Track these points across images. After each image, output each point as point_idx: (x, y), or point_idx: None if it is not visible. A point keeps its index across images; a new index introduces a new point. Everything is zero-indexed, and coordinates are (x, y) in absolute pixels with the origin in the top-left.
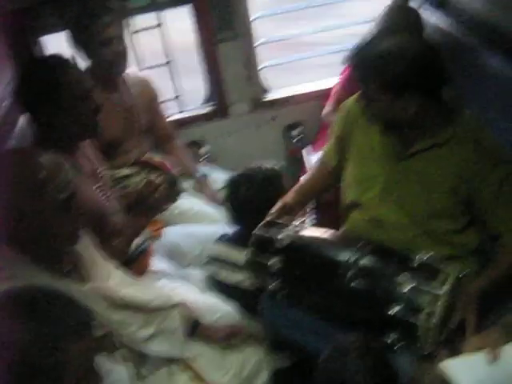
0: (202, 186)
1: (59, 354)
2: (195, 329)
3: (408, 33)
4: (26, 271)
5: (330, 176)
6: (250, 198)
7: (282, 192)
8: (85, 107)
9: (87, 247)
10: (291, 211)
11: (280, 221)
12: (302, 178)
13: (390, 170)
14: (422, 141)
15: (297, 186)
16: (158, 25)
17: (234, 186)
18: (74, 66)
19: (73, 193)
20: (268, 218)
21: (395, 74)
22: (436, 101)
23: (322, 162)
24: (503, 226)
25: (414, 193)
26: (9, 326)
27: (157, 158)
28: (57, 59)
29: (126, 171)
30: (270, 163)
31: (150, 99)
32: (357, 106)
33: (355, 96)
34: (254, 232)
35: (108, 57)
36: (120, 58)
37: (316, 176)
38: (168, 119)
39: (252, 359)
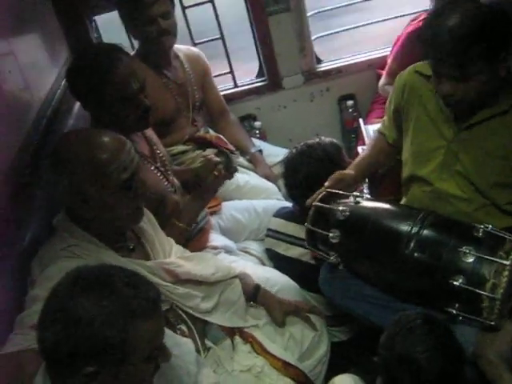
0: (256, 161)
1: (130, 331)
2: (256, 293)
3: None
4: (94, 249)
5: (389, 149)
6: (310, 174)
7: (341, 167)
8: (130, 109)
9: (150, 224)
10: (350, 186)
11: (340, 192)
12: (361, 152)
13: (450, 141)
14: (482, 111)
15: (356, 161)
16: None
17: (293, 162)
18: (123, 63)
19: (134, 172)
20: (330, 190)
21: (490, 38)
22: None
23: (380, 136)
24: None
25: (475, 164)
26: (82, 303)
27: (212, 133)
28: (106, 54)
29: (181, 147)
30: (329, 138)
31: (202, 74)
32: (413, 77)
33: (411, 68)
34: (314, 203)
35: (152, 35)
36: (165, 36)
37: (375, 150)
38: (221, 94)
39: (312, 331)
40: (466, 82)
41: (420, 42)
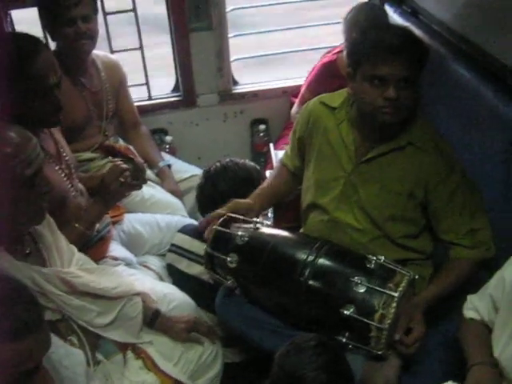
0: (164, 175)
1: None
2: (155, 319)
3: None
4: None
5: (291, 178)
6: (228, 191)
7: None
8: (45, 102)
9: (49, 229)
10: (253, 213)
11: (241, 217)
12: (265, 181)
13: (350, 173)
14: (381, 145)
15: (258, 190)
16: (133, 9)
17: (215, 174)
18: (42, 55)
19: (39, 169)
20: (230, 214)
21: (419, 51)
22: None
23: (283, 165)
24: (451, 235)
25: (372, 196)
26: None
27: (121, 143)
28: (25, 44)
29: (88, 155)
30: (253, 163)
31: (118, 83)
32: (319, 108)
33: (316, 99)
34: (214, 227)
35: (71, 37)
36: (84, 39)
37: (277, 180)
38: (135, 105)
39: (205, 351)
40: (409, 88)
41: (361, 46)
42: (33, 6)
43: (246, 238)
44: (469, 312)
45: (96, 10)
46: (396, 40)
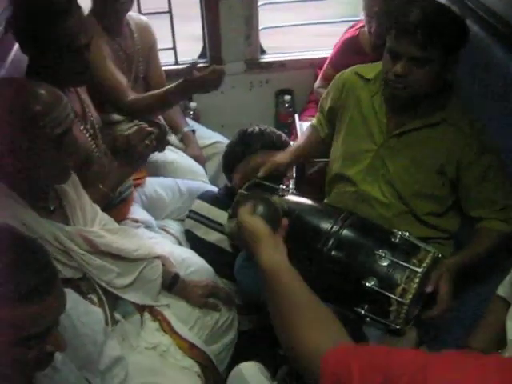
0: (188, 140)
1: None
2: (174, 283)
3: None
4: (12, 204)
5: (320, 145)
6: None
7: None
8: (74, 62)
9: (75, 188)
10: (280, 172)
11: (267, 183)
12: (295, 142)
13: (380, 146)
14: (414, 120)
15: (293, 148)
16: None
17: (250, 135)
18: (74, 15)
19: (68, 129)
20: (256, 179)
21: (453, 34)
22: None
23: (314, 130)
24: (482, 211)
25: (400, 171)
26: None
27: None
28: (59, 2)
29: (116, 117)
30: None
31: (149, 46)
32: (353, 78)
33: (352, 69)
34: (240, 191)
35: None
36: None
37: (308, 142)
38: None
39: (221, 318)
40: (421, 68)
41: (385, 14)
42: None
43: None
44: (499, 288)
45: None
46: (416, 17)
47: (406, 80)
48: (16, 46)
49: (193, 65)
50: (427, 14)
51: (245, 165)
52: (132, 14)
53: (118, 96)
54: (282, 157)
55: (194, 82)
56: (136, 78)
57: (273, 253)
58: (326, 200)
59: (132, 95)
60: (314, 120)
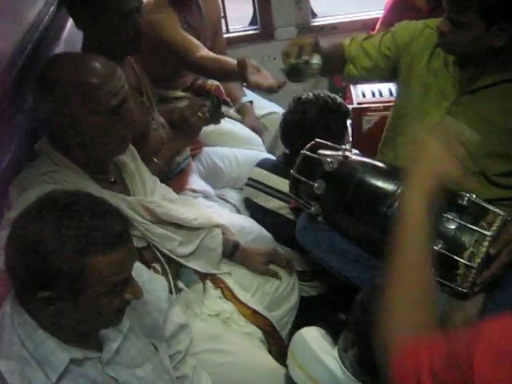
0: (246, 111)
1: (86, 262)
2: (234, 251)
3: None
4: (75, 177)
5: (342, 62)
6: (316, 120)
7: (344, 131)
8: (127, 27)
9: (133, 160)
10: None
11: (329, 143)
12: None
13: (451, 102)
14: (488, 76)
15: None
16: None
17: (306, 103)
18: None
19: (124, 99)
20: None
21: (468, 9)
22: None
23: (343, 46)
24: None
25: (473, 128)
26: (40, 228)
27: (212, 82)
28: None
29: (179, 93)
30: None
31: (216, 20)
32: (428, 30)
33: (427, 22)
34: (302, 151)
35: None
36: None
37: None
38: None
39: (282, 284)
40: (458, 29)
41: None
42: None
43: (335, 165)
44: None
45: None
46: None
47: (446, 38)
48: (70, 24)
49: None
50: None
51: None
52: None
53: (188, 52)
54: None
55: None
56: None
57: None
58: (389, 158)
59: (203, 52)
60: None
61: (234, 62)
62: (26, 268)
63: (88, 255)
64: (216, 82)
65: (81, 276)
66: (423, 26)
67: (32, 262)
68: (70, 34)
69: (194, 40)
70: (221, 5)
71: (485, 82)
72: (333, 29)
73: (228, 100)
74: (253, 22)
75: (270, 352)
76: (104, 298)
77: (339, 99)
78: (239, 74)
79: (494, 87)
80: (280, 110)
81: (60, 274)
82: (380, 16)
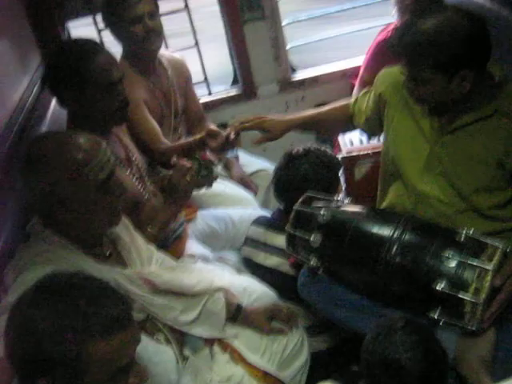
0: (232, 165)
1: (84, 350)
2: (238, 313)
3: (445, 9)
4: (70, 255)
5: (345, 119)
6: (309, 176)
7: (336, 182)
8: (110, 98)
9: (127, 231)
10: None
11: (320, 196)
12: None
13: (433, 144)
14: (466, 115)
15: (310, 111)
16: (185, 6)
17: (297, 159)
18: (103, 53)
19: (112, 172)
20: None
21: (451, 53)
22: (483, 75)
23: (345, 105)
24: None
25: (458, 167)
26: (37, 314)
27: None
28: (84, 45)
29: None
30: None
31: (185, 81)
32: (399, 77)
33: (398, 68)
34: (294, 207)
35: (139, 34)
36: (152, 35)
37: (334, 112)
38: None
39: (291, 341)
40: (423, 86)
41: (393, 49)
42: (88, 14)
43: (329, 216)
44: None
45: (158, 7)
46: (406, 39)
47: (414, 94)
48: (54, 103)
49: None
50: (421, 33)
51: None
52: (164, 53)
53: (151, 143)
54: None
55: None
56: (176, 114)
57: None
58: (383, 204)
59: (165, 143)
60: (352, 97)
61: (192, 139)
62: (22, 355)
63: (84, 343)
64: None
65: (78, 364)
66: (397, 73)
67: (27, 349)
68: (55, 113)
69: (156, 129)
70: (188, 67)
71: (464, 120)
72: (314, 81)
73: (212, 160)
74: (234, 82)
75: None
76: None
77: (329, 152)
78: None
79: (473, 124)
80: (268, 167)
81: (56, 362)
82: (359, 65)
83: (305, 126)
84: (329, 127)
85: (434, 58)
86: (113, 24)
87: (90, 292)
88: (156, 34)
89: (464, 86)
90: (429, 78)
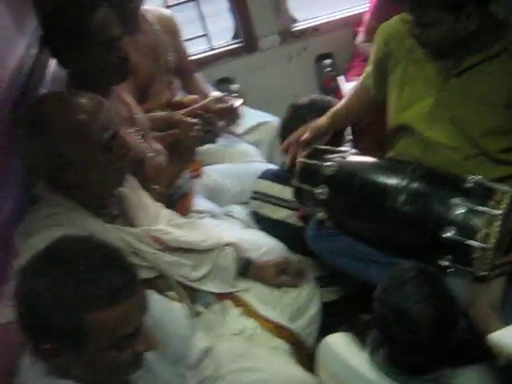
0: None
1: (85, 319)
2: (247, 268)
3: None
4: (78, 217)
5: (370, 100)
6: None
7: (341, 133)
8: (110, 55)
9: (133, 190)
10: (325, 135)
11: (326, 147)
12: (339, 103)
13: (439, 89)
14: (471, 56)
15: (333, 110)
16: None
17: (302, 109)
18: (100, 9)
19: (115, 131)
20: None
21: (430, 5)
22: (488, 12)
23: (363, 86)
24: None
25: (466, 111)
26: (39, 281)
27: (189, 97)
28: (83, 2)
29: (160, 113)
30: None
31: (174, 36)
32: (400, 26)
33: (397, 17)
34: (300, 159)
35: None
36: None
37: (355, 100)
38: (197, 57)
39: (301, 293)
40: (429, 29)
41: None
42: None
43: (335, 168)
44: None
45: None
46: None
47: (421, 39)
48: (54, 64)
49: None
50: None
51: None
52: (149, 8)
53: None
54: (321, 120)
55: None
56: (168, 69)
57: None
58: (390, 153)
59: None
60: (363, 77)
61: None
62: (27, 321)
63: (86, 312)
64: (193, 96)
65: (80, 331)
66: (397, 23)
67: (31, 316)
68: (55, 74)
69: None
70: (176, 22)
71: (470, 62)
72: (315, 31)
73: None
74: (235, 36)
75: (300, 362)
76: (111, 351)
77: (333, 101)
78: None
79: (479, 66)
80: (272, 119)
81: (59, 330)
82: (360, 11)
83: (345, 124)
84: (363, 115)
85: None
86: None
87: (94, 260)
88: None
89: (471, 22)
90: (436, 20)
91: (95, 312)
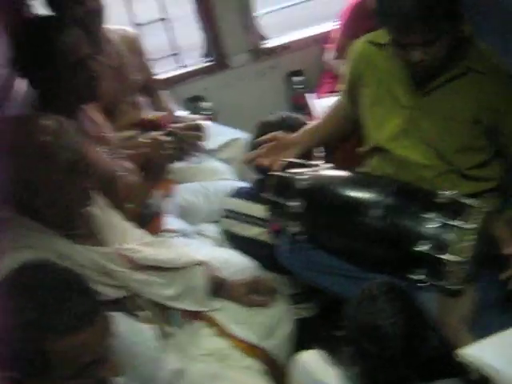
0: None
1: (47, 346)
2: (219, 287)
3: None
4: (46, 239)
5: (347, 122)
6: None
7: None
8: (81, 74)
9: (102, 209)
10: (298, 148)
11: (299, 161)
12: (316, 121)
13: (410, 108)
14: (439, 75)
15: (310, 128)
16: None
17: (272, 127)
18: (70, 30)
19: (79, 153)
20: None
21: (437, 18)
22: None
23: (340, 105)
24: None
25: (437, 128)
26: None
27: (156, 114)
28: (51, 23)
29: (128, 133)
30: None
31: (139, 55)
32: (366, 47)
33: (363, 38)
34: (272, 173)
35: (79, 15)
36: (93, 16)
37: (331, 116)
38: (168, 76)
39: (274, 311)
40: (433, 45)
41: (378, 14)
42: None
43: (308, 182)
44: None
45: None
46: (408, 7)
47: (425, 63)
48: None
49: None
50: (421, 2)
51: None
52: (113, 28)
53: None
54: (301, 136)
55: None
56: (133, 88)
57: None
58: (364, 169)
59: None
60: (340, 94)
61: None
62: None
63: (45, 339)
64: (161, 113)
65: (41, 359)
66: (363, 44)
67: None
68: (22, 95)
69: None
70: (140, 42)
71: (439, 81)
72: (285, 49)
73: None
74: (206, 54)
75: (275, 381)
76: (75, 379)
77: (303, 119)
78: None
79: (446, 85)
80: (242, 136)
81: (20, 357)
82: (329, 29)
83: (319, 141)
84: (340, 132)
85: (441, 9)
86: (54, 5)
87: (55, 287)
88: (96, 15)
89: (443, 49)
90: (441, 32)
91: (56, 340)
